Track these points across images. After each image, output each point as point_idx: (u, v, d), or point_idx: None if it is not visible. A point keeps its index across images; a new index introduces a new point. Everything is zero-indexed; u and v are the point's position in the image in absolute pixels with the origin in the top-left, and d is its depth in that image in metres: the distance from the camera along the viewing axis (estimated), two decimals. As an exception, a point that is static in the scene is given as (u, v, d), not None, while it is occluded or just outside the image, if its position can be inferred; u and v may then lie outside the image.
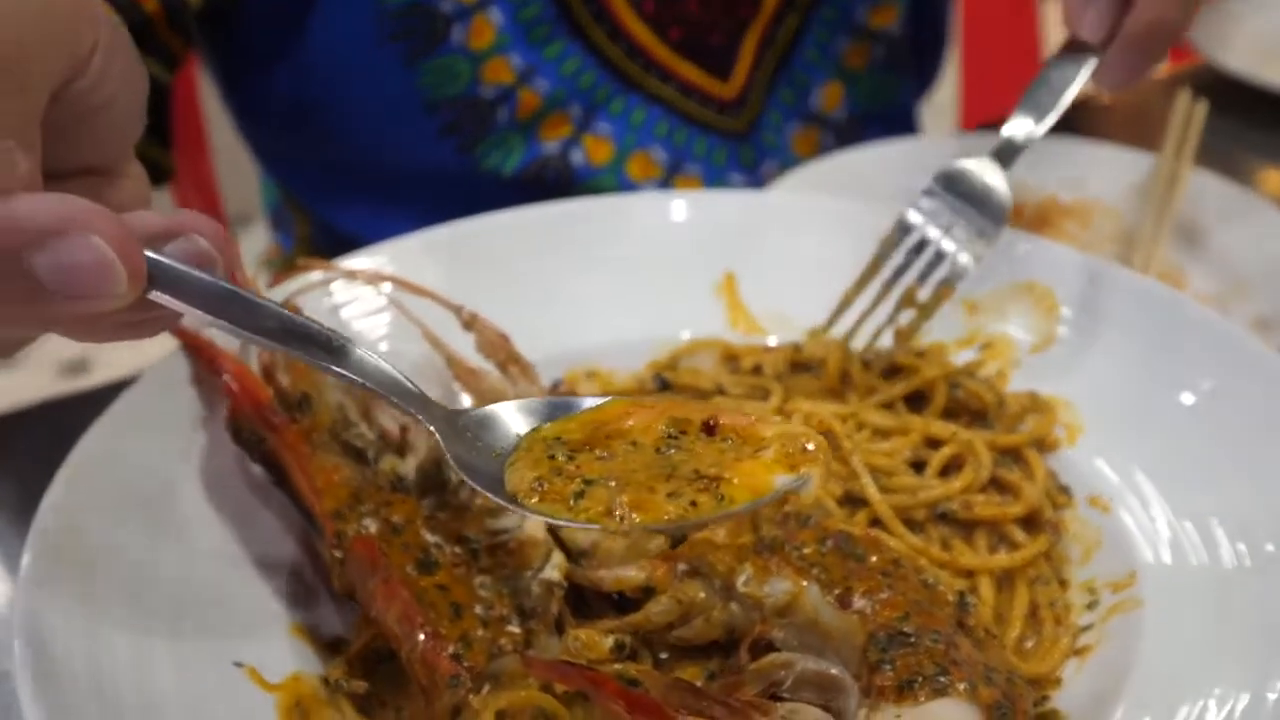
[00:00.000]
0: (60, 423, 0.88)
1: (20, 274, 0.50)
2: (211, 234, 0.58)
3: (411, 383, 0.67)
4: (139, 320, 0.57)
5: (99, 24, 0.57)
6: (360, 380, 0.64)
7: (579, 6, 1.31)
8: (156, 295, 0.55)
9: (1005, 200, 0.97)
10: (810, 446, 0.64)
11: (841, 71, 1.48)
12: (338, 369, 0.63)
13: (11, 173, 0.51)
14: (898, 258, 0.98)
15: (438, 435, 0.66)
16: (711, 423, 0.66)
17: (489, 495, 0.64)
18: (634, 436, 0.67)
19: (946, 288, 0.96)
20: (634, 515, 0.62)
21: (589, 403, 0.69)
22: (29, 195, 0.51)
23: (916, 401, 0.96)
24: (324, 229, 1.52)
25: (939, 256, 0.97)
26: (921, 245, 0.98)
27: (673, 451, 0.66)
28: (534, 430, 0.68)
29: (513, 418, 0.68)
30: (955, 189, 0.98)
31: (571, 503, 0.63)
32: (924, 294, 0.97)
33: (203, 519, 0.81)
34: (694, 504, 0.62)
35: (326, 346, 0.63)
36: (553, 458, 0.65)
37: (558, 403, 0.69)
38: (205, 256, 0.57)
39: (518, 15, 1.29)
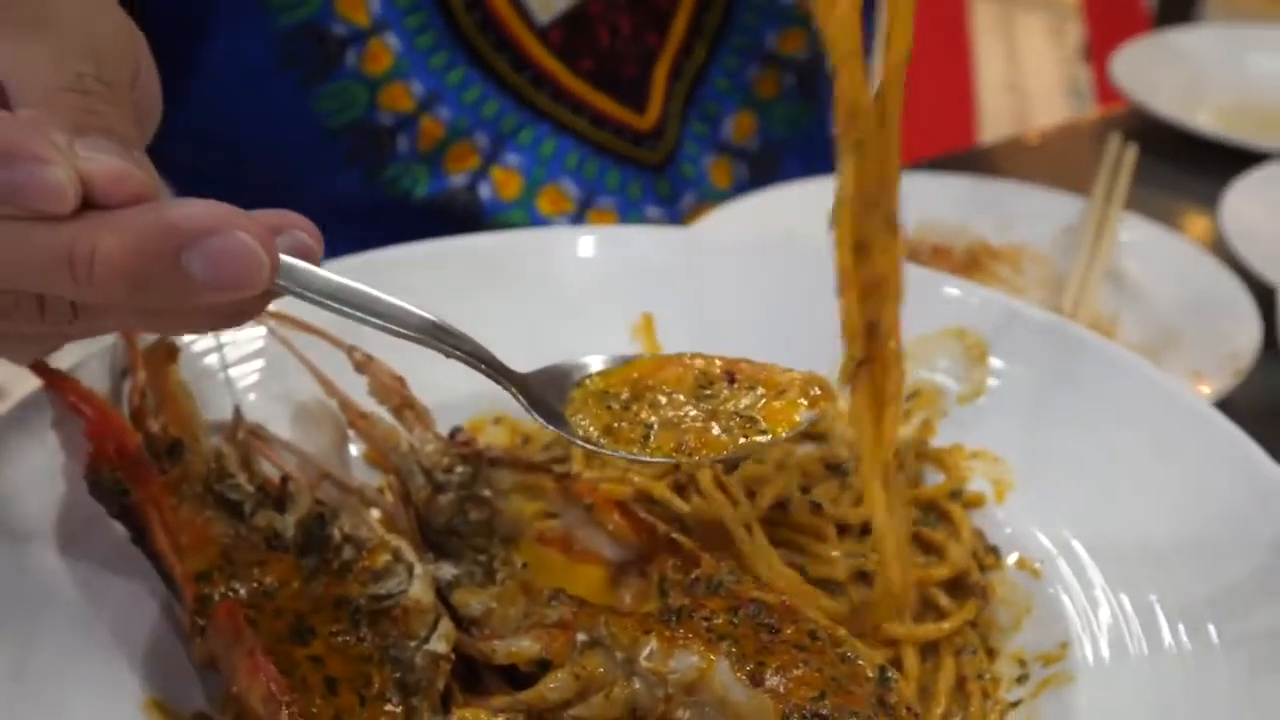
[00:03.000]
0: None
1: (174, 273, 0.55)
2: (309, 229, 0.64)
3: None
4: (244, 309, 0.62)
5: (140, 37, 0.65)
6: (460, 354, 0.70)
7: (476, 35, 1.27)
8: (280, 284, 0.61)
9: None
10: (819, 390, 0.75)
11: (752, 100, 1.45)
12: (444, 345, 0.69)
13: (151, 180, 0.58)
14: None
15: (521, 399, 0.73)
16: (733, 373, 0.76)
17: (581, 443, 0.72)
18: (672, 387, 0.76)
19: None
20: (700, 449, 0.72)
21: (615, 360, 0.77)
22: (177, 201, 0.57)
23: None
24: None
25: None
26: None
27: (709, 397, 0.75)
28: (580, 385, 0.76)
29: (562, 376, 0.76)
30: None
31: (642, 444, 0.72)
32: None
33: (51, 579, 0.73)
34: (746, 437, 0.73)
35: (427, 328, 0.69)
36: (610, 408, 0.74)
37: (586, 361, 0.77)
38: (308, 249, 0.63)
39: (415, 41, 1.25)
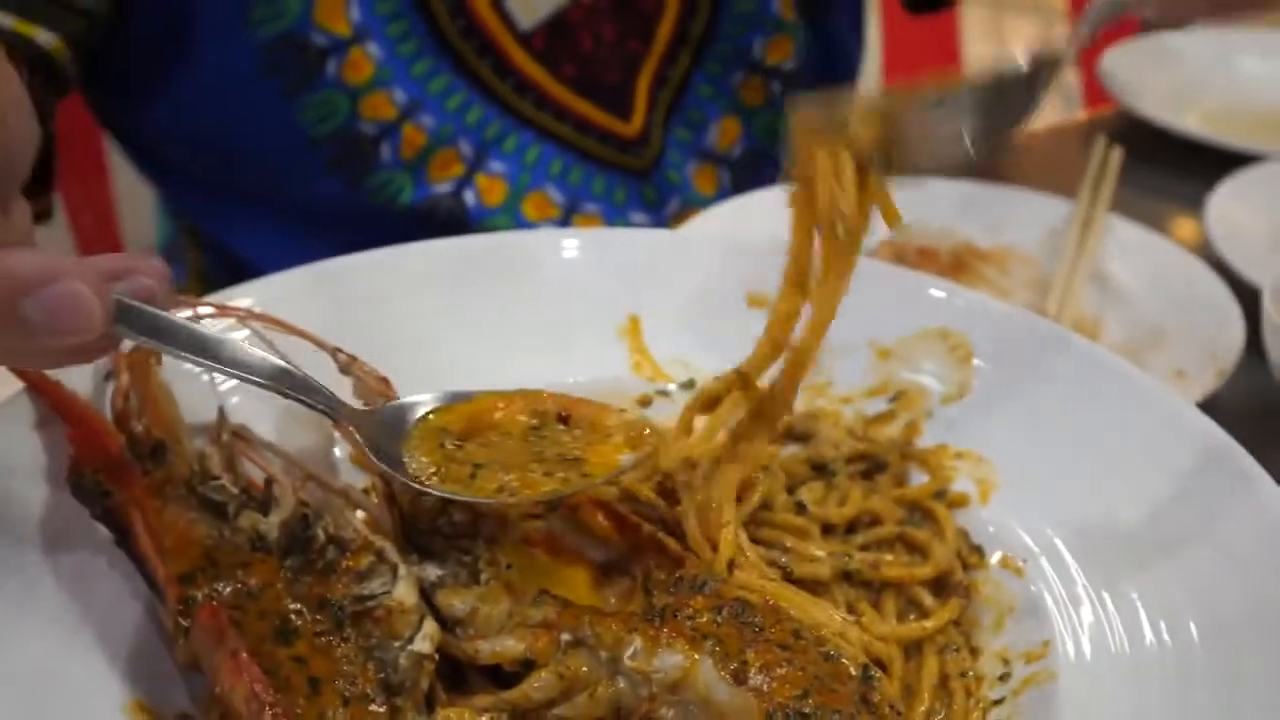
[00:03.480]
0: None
1: (13, 318, 0.58)
2: (152, 272, 0.67)
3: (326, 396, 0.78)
4: (87, 348, 0.64)
5: (12, 83, 0.64)
6: (272, 385, 0.75)
7: (459, 41, 1.26)
8: (119, 328, 0.65)
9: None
10: (647, 432, 0.78)
11: (737, 107, 1.45)
12: (260, 380, 0.74)
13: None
14: None
15: (356, 433, 0.77)
16: (564, 414, 0.81)
17: (406, 481, 0.75)
18: (505, 427, 0.80)
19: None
20: (522, 490, 0.75)
21: (460, 395, 0.81)
22: (14, 250, 0.59)
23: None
24: (220, 257, 1.46)
25: None
26: None
27: (538, 438, 0.79)
28: (422, 420, 0.80)
29: (404, 412, 0.80)
30: None
31: (468, 482, 0.75)
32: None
33: (33, 580, 0.72)
34: (565, 479, 0.76)
35: (256, 368, 0.74)
36: (443, 446, 0.78)
37: (435, 396, 0.81)
38: (150, 292, 0.67)
39: (397, 50, 1.24)
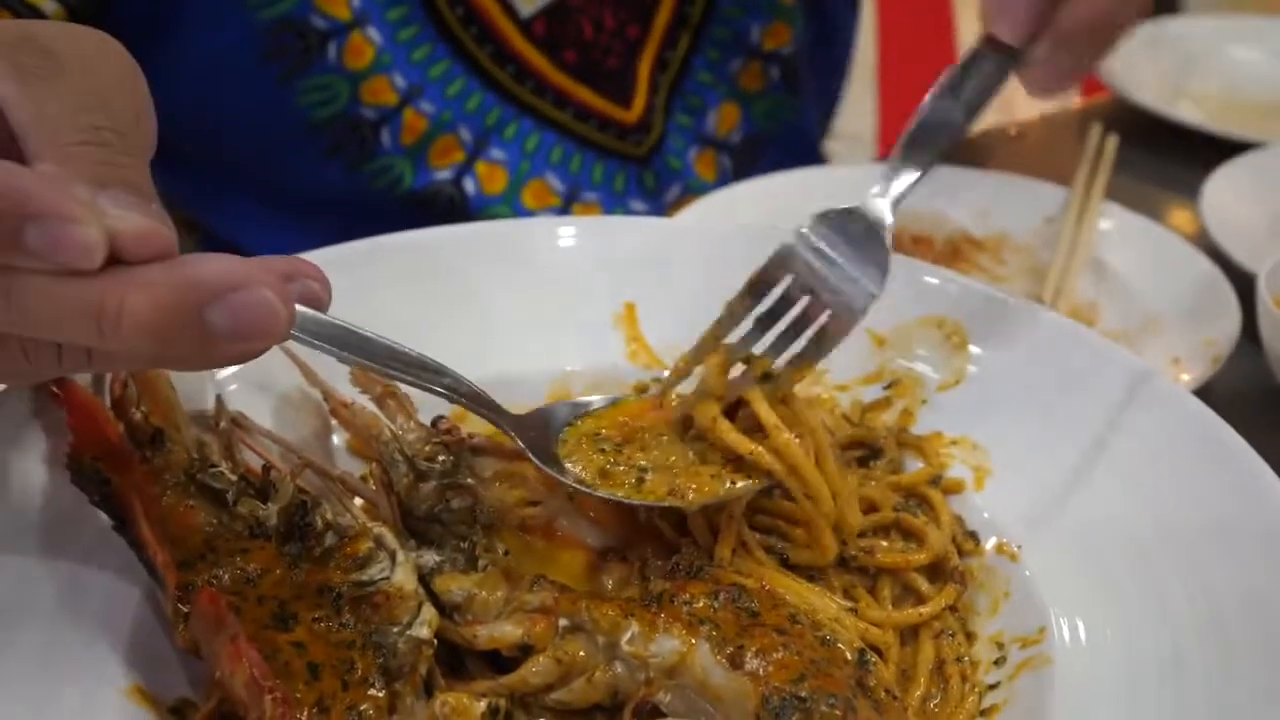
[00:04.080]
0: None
1: (196, 327, 0.56)
2: (318, 277, 0.66)
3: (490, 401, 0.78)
4: (245, 354, 0.63)
5: (138, 74, 0.66)
6: (461, 399, 0.76)
7: (459, 28, 1.26)
8: (294, 334, 0.64)
9: (885, 259, 0.82)
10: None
11: (736, 92, 1.45)
12: (440, 389, 0.75)
13: (172, 235, 0.58)
14: (746, 324, 0.81)
15: (522, 444, 0.77)
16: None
17: (578, 486, 0.76)
18: (659, 430, 0.79)
19: (804, 366, 0.80)
20: (697, 492, 0.75)
21: (602, 402, 0.83)
22: (198, 257, 0.58)
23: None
24: (215, 247, 1.46)
25: (800, 323, 0.80)
26: (777, 309, 0.80)
27: (695, 439, 0.78)
28: (572, 425, 0.80)
29: (555, 415, 0.81)
30: (829, 239, 0.81)
31: (636, 486, 0.76)
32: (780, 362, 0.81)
33: (34, 566, 0.73)
34: (733, 482, 0.75)
35: (430, 370, 0.74)
36: (603, 450, 0.78)
37: (577, 404, 0.83)
38: (316, 298, 0.66)
39: (396, 35, 1.24)
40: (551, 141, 1.34)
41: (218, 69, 1.25)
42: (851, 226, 0.82)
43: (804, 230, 0.82)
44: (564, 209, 1.36)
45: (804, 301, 0.80)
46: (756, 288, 0.80)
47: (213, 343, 0.57)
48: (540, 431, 0.79)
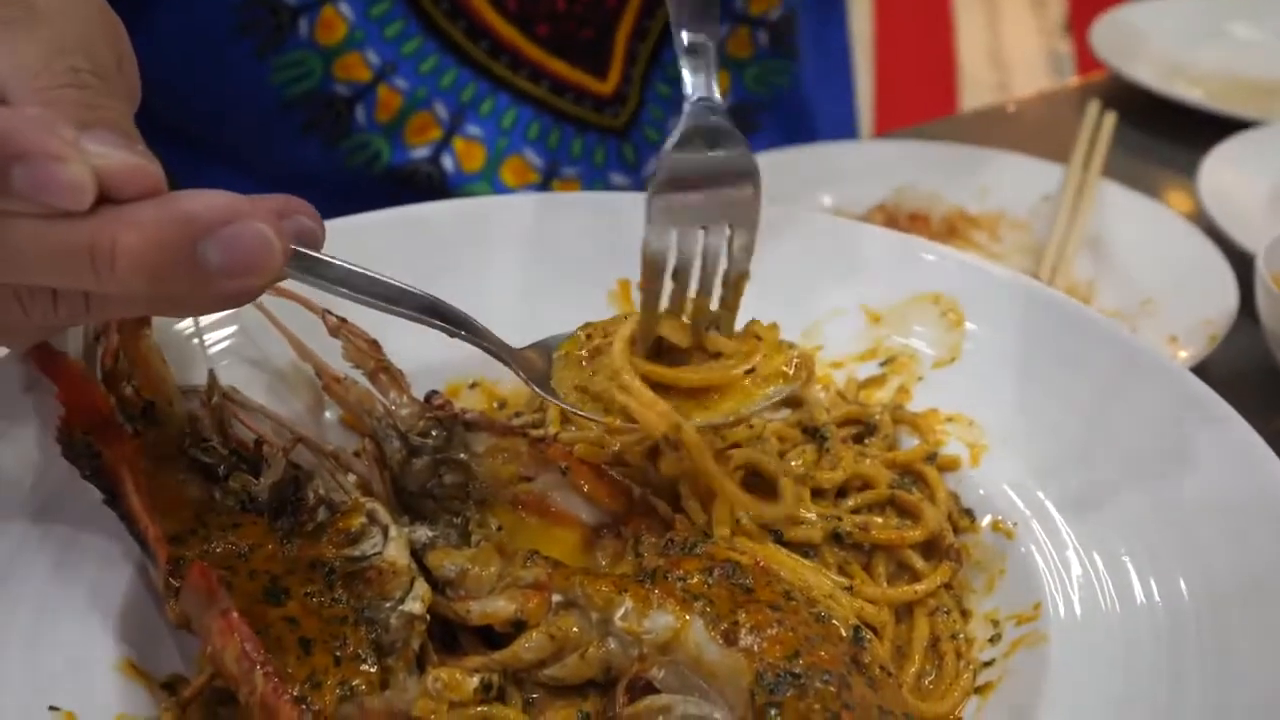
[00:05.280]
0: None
1: (190, 262, 0.56)
2: (310, 214, 0.65)
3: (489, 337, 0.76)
4: (244, 294, 0.64)
5: (118, 22, 0.66)
6: (460, 332, 0.73)
7: (430, 4, 1.26)
8: (289, 269, 0.62)
9: (745, 164, 0.77)
10: (791, 368, 0.76)
11: (725, 59, 1.44)
12: (444, 324, 0.73)
13: (160, 172, 0.58)
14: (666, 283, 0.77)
15: (521, 373, 0.76)
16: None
17: (572, 409, 0.74)
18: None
19: (739, 279, 0.77)
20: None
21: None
22: (190, 192, 0.57)
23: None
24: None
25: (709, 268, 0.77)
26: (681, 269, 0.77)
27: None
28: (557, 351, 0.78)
29: (548, 346, 0.79)
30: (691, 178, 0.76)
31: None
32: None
33: (25, 541, 0.72)
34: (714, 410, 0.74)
35: (427, 308, 0.72)
36: (581, 366, 0.76)
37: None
38: (312, 234, 0.65)
39: (368, 12, 1.24)
40: (528, 117, 1.34)
41: (195, 45, 1.24)
42: (707, 134, 0.78)
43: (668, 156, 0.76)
44: (543, 185, 1.35)
45: (702, 236, 0.76)
46: (655, 258, 0.76)
47: (209, 279, 0.57)
48: (538, 363, 0.78)
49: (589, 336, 0.79)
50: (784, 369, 0.76)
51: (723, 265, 0.77)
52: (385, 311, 0.71)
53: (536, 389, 0.76)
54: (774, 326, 0.79)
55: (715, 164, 0.77)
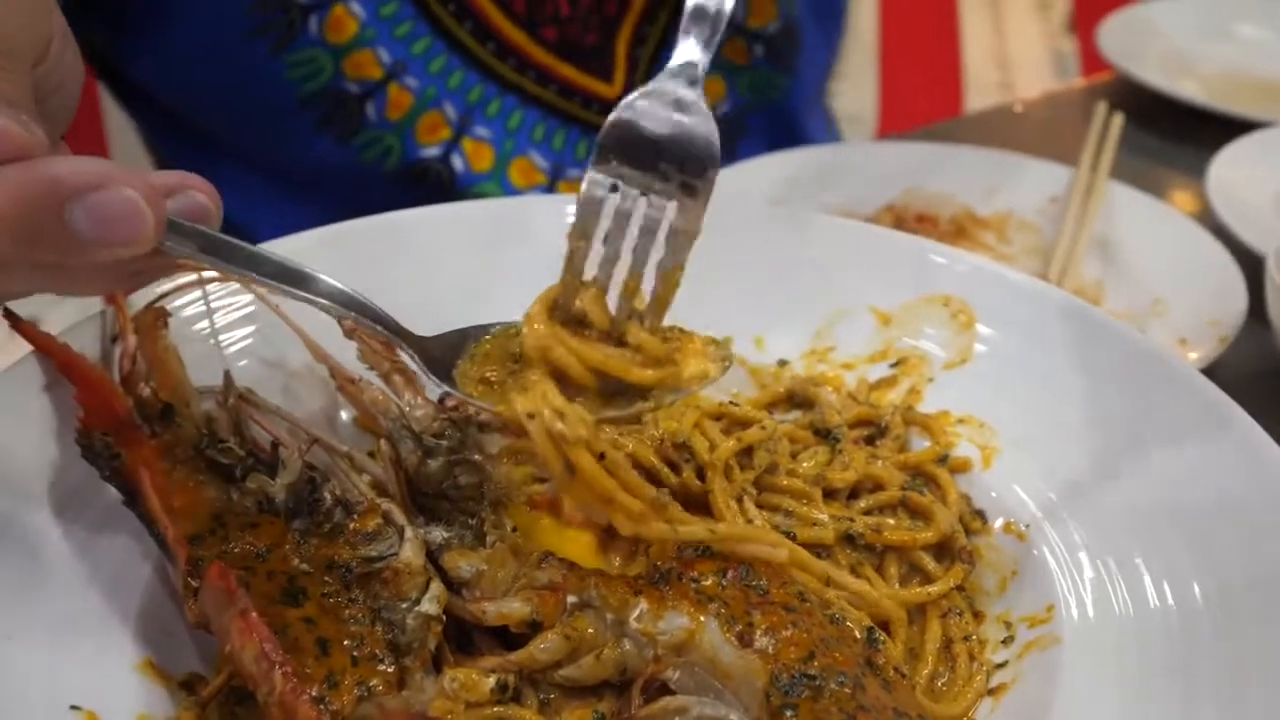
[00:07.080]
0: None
1: (58, 227, 0.56)
2: (206, 191, 0.65)
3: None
4: (140, 270, 0.65)
5: (55, 13, 0.66)
6: (339, 311, 0.71)
7: (438, 5, 1.27)
8: (168, 244, 0.62)
9: (709, 139, 0.73)
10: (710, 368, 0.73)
11: (720, 66, 1.45)
12: (323, 301, 0.71)
13: (36, 139, 0.58)
14: (595, 246, 0.73)
15: (415, 357, 0.74)
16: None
17: (457, 393, 0.73)
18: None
19: (673, 271, 0.73)
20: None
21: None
22: (62, 157, 0.57)
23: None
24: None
25: (646, 233, 0.73)
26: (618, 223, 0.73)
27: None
28: (482, 342, 0.76)
29: (464, 338, 0.76)
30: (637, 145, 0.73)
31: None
32: (648, 285, 0.74)
33: (44, 541, 0.73)
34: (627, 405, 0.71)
35: (313, 286, 0.70)
36: (508, 365, 0.74)
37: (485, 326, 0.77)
38: (203, 211, 0.65)
39: (379, 11, 1.26)
40: (534, 119, 1.35)
41: (212, 43, 1.26)
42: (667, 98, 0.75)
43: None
44: (550, 187, 1.37)
45: (644, 204, 0.72)
46: (590, 201, 0.73)
47: (81, 247, 0.57)
48: (441, 350, 0.75)
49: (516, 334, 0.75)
50: (709, 370, 0.73)
51: (659, 251, 0.72)
52: (292, 298, 0.71)
53: (431, 377, 0.73)
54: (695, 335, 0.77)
55: (679, 130, 0.72)
